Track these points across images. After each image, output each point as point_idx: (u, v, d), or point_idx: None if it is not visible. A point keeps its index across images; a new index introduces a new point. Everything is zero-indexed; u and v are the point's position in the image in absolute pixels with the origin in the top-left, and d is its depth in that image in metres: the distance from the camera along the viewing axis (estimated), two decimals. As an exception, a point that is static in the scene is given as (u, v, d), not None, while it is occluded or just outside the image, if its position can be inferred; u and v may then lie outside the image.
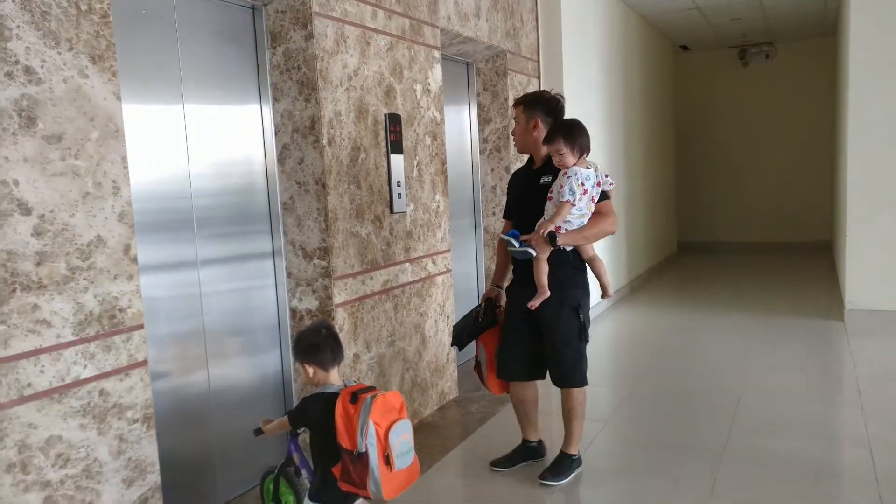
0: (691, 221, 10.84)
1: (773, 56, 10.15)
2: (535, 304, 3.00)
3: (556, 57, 5.65)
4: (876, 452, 3.21)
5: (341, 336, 3.20)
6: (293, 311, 3.28)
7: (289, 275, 3.26)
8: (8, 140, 1.89)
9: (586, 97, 6.23)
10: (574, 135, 2.94)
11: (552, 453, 3.31)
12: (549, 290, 2.99)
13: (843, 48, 6.47)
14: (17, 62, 1.91)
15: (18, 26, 1.90)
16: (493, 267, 5.28)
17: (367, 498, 2.23)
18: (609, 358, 5.23)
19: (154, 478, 2.32)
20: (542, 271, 3.00)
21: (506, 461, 3.32)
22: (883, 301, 5.46)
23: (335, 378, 2.33)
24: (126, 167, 2.22)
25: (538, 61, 5.64)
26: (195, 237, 2.86)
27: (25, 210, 1.93)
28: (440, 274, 4.14)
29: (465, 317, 3.39)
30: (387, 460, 2.13)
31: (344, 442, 2.16)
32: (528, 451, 3.37)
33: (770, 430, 3.54)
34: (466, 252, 5.10)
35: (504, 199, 4.68)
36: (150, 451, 2.30)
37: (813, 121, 9.91)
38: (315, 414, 2.26)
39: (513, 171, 3.51)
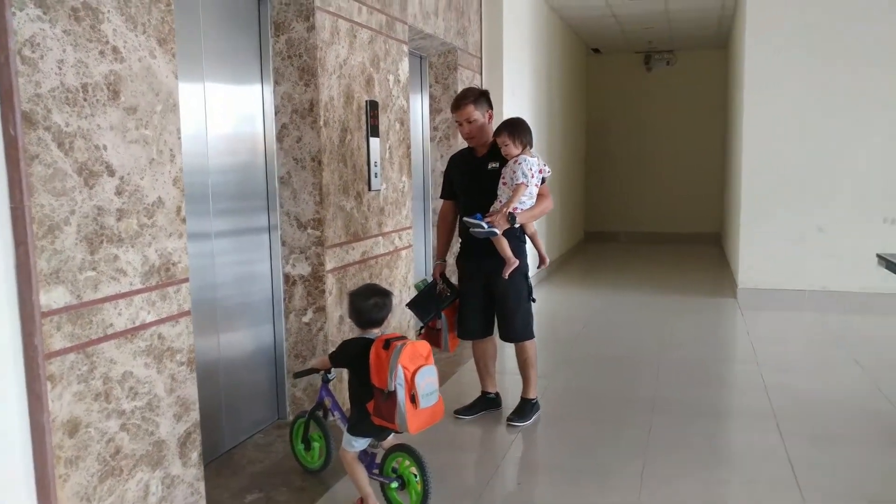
0: (596, 212, 11.74)
1: (674, 63, 11.16)
2: (507, 272, 3.49)
3: (498, 55, 6.16)
4: (771, 395, 3.96)
5: (329, 300, 3.59)
6: (286, 277, 3.60)
7: (283, 243, 3.58)
8: (99, 110, 2.15)
9: (520, 94, 6.79)
10: (518, 130, 3.45)
11: (506, 404, 3.82)
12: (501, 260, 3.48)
13: (738, 60, 7.37)
14: (107, 42, 2.17)
15: (108, 11, 2.16)
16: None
17: (396, 432, 2.59)
18: (540, 329, 5.79)
19: (195, 415, 2.61)
20: (506, 245, 3.50)
21: (468, 410, 3.80)
22: (769, 281, 6.38)
23: (374, 330, 2.69)
24: (179, 138, 2.50)
25: (481, 58, 6.13)
26: (210, 211, 3.14)
27: (111, 171, 2.20)
28: (404, 248, 4.55)
29: (421, 295, 3.76)
30: (412, 399, 2.46)
31: (376, 381, 2.50)
32: (487, 402, 3.86)
33: (689, 384, 4.22)
34: (417, 232, 5.52)
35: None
36: (192, 391, 2.59)
37: (706, 123, 11.00)
38: (352, 353, 2.62)
39: (450, 156, 3.89)
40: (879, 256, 3.67)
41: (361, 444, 2.67)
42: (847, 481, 2.92)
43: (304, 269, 3.59)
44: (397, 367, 2.45)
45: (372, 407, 2.55)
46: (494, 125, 3.63)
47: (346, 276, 3.79)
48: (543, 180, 3.54)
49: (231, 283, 3.31)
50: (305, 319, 3.61)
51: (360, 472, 2.66)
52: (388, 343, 2.51)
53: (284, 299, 3.62)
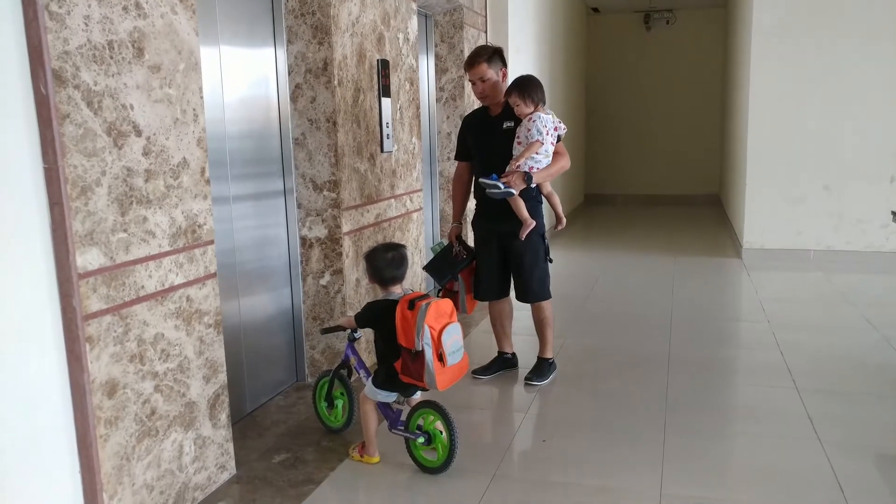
0: (596, 174, 11.70)
1: (674, 22, 11.03)
2: (524, 234, 3.48)
3: (503, 13, 6.06)
4: (784, 352, 4.00)
5: (346, 262, 3.58)
6: (303, 240, 3.58)
7: (299, 206, 3.55)
8: (125, 68, 2.10)
9: (525, 53, 6.70)
10: (528, 89, 3.40)
11: (522, 364, 3.85)
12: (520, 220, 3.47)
13: (745, 17, 7.28)
14: (130, -3, 2.11)
15: (131, -36, 2.10)
16: (447, 209, 5.74)
17: (424, 389, 2.63)
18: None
19: (223, 377, 2.62)
20: (522, 206, 3.48)
21: (485, 370, 3.83)
22: (774, 241, 6.41)
23: (397, 289, 2.70)
24: (202, 97, 2.45)
25: (486, 17, 6.03)
26: (229, 176, 3.10)
27: (138, 132, 2.16)
28: (415, 211, 4.53)
29: (438, 258, 3.75)
30: (440, 357, 2.50)
31: (403, 342, 2.53)
32: (504, 361, 3.89)
33: (701, 343, 4.26)
34: (425, 194, 5.48)
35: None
36: (220, 353, 2.59)
37: (705, 84, 10.92)
38: (376, 316, 2.64)
39: (464, 116, 3.83)
40: (895, 214, 3.68)
41: (385, 396, 2.70)
42: (867, 435, 2.97)
43: (320, 231, 3.57)
44: (424, 327, 2.48)
45: (399, 366, 2.58)
46: (508, 84, 3.58)
47: (362, 239, 3.77)
48: (559, 138, 3.51)
49: (250, 247, 3.29)
50: (323, 282, 3.60)
51: (373, 420, 2.74)
52: (412, 303, 2.53)
53: (302, 262, 3.60)
